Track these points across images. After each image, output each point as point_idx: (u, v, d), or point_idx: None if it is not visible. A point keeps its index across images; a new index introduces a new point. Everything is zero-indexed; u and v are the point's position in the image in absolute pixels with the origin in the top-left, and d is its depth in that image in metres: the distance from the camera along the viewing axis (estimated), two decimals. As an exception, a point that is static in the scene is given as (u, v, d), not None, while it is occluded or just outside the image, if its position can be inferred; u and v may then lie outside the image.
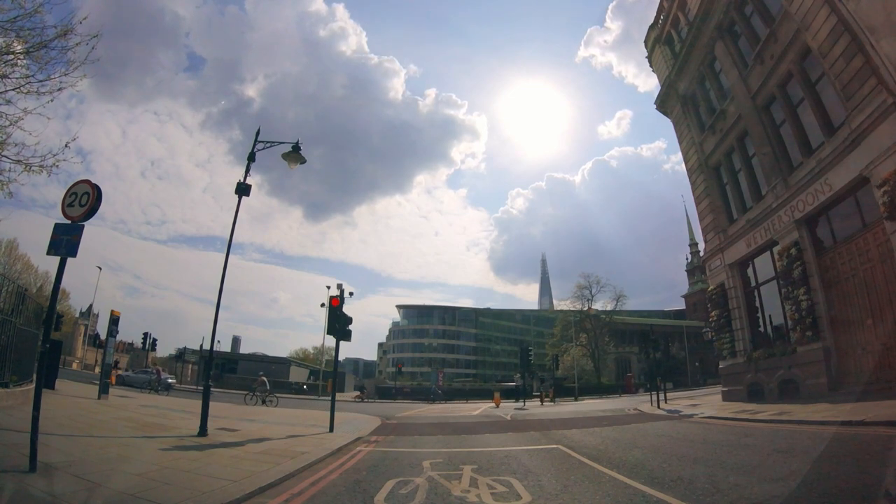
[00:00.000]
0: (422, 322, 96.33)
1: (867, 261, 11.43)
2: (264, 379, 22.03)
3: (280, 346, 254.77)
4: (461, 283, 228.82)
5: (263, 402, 20.76)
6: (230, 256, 9.90)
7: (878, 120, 10.40)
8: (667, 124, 22.33)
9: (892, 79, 10.01)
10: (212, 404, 9.10)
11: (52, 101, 8.04)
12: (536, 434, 10.64)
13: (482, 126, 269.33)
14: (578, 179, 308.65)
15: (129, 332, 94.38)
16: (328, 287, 34.82)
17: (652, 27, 22.86)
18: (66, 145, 8.11)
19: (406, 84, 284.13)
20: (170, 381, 29.52)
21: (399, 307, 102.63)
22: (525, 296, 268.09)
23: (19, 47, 7.79)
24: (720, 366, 18.65)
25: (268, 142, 10.50)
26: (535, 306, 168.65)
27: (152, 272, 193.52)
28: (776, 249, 14.80)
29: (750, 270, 17.10)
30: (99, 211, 5.51)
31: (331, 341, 13.98)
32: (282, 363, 60.15)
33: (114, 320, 18.07)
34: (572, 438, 9.34)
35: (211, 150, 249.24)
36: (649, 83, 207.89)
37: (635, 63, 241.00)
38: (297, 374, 57.80)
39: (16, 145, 7.88)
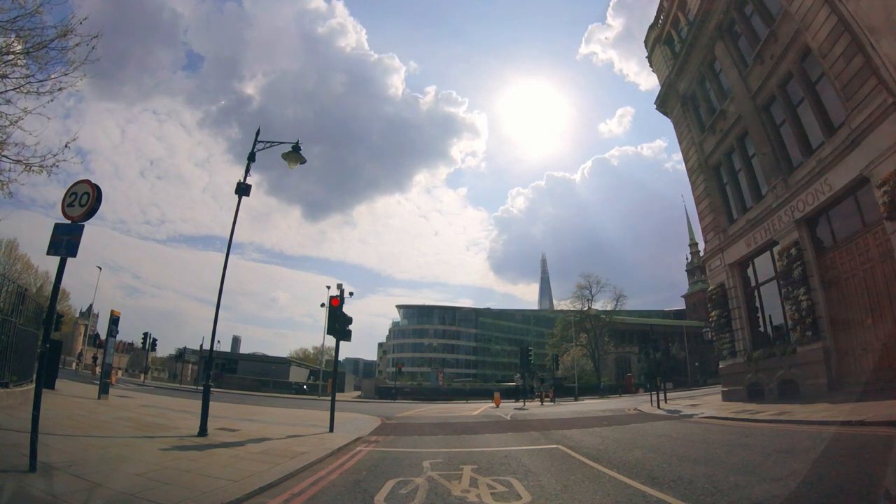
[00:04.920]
0: (422, 322, 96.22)
1: (867, 261, 11.43)
2: None
3: (280, 345, 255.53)
4: (461, 282, 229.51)
5: None
6: (230, 256, 9.91)
7: (878, 120, 10.40)
8: (668, 123, 22.32)
9: (892, 79, 10.01)
10: (211, 404, 9.09)
11: (51, 100, 8.04)
12: (536, 434, 10.63)
13: (482, 124, 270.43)
14: (579, 178, 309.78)
15: (129, 332, 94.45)
16: (328, 287, 34.74)
17: (652, 27, 22.86)
18: (65, 145, 8.10)
19: (406, 81, 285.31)
20: None
21: (399, 307, 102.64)
22: (525, 296, 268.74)
23: (19, 47, 7.78)
24: (720, 366, 18.66)
25: (268, 141, 10.48)
26: (535, 306, 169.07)
27: (152, 272, 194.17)
28: (776, 249, 14.80)
29: (750, 270, 17.10)
30: (99, 211, 5.51)
31: (331, 341, 13.98)
32: (282, 363, 60.23)
33: (114, 320, 18.02)
34: (572, 438, 9.33)
35: (210, 149, 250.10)
36: (650, 81, 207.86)
37: (637, 60, 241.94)
38: (298, 374, 57.87)
39: (16, 145, 7.87)
